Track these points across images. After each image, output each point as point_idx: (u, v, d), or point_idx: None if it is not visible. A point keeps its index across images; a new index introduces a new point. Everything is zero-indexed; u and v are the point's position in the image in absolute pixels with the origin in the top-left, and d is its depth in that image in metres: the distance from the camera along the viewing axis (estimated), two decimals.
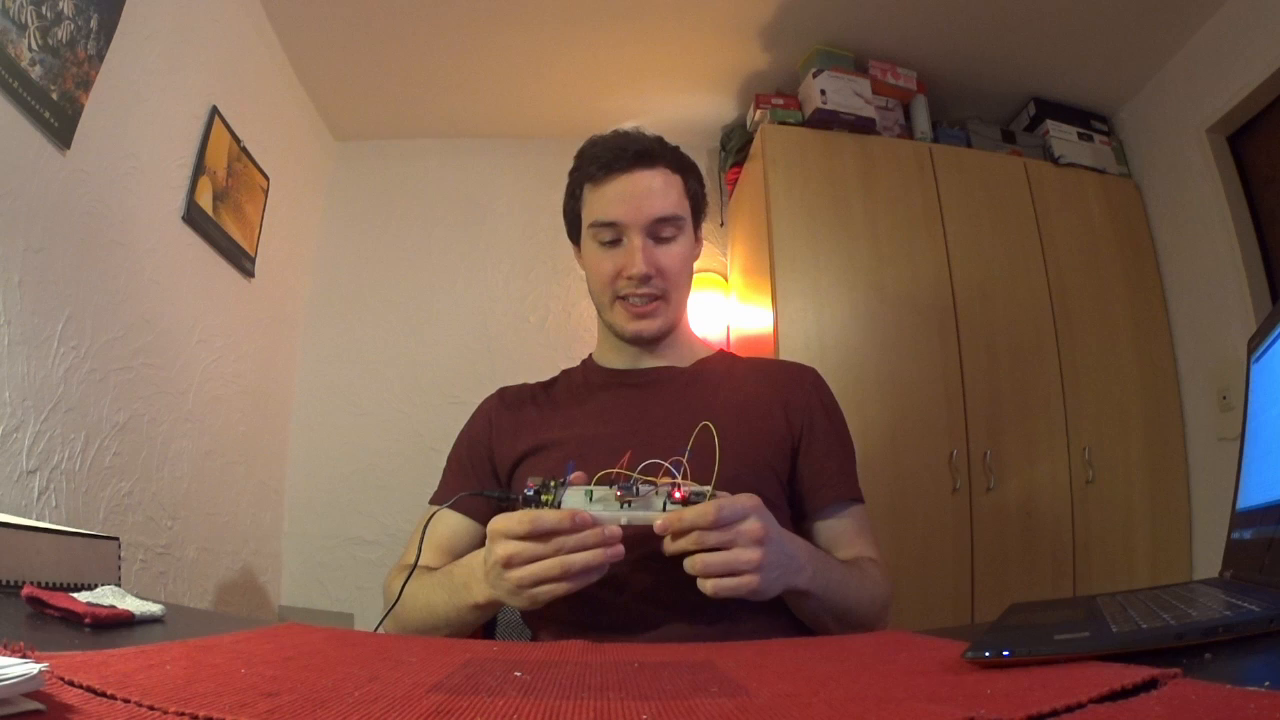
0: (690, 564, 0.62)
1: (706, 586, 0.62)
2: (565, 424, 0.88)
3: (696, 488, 0.63)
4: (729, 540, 0.62)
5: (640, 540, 0.64)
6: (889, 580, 0.82)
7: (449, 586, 0.74)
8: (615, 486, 0.63)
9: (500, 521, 0.63)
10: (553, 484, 0.65)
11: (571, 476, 0.66)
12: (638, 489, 0.63)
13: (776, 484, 0.83)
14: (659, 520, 0.62)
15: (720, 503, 0.62)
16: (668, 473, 0.64)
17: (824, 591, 0.71)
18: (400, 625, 0.79)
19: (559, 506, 0.63)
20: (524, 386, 0.97)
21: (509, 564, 0.62)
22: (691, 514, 0.61)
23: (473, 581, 0.70)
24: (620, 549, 0.62)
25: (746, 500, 0.64)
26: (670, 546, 0.63)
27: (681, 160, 0.92)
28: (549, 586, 0.62)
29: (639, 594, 0.75)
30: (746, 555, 0.62)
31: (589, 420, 0.88)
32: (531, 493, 0.64)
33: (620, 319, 0.90)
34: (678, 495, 0.63)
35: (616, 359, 0.95)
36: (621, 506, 0.63)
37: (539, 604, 0.63)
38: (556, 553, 0.61)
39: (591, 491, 0.64)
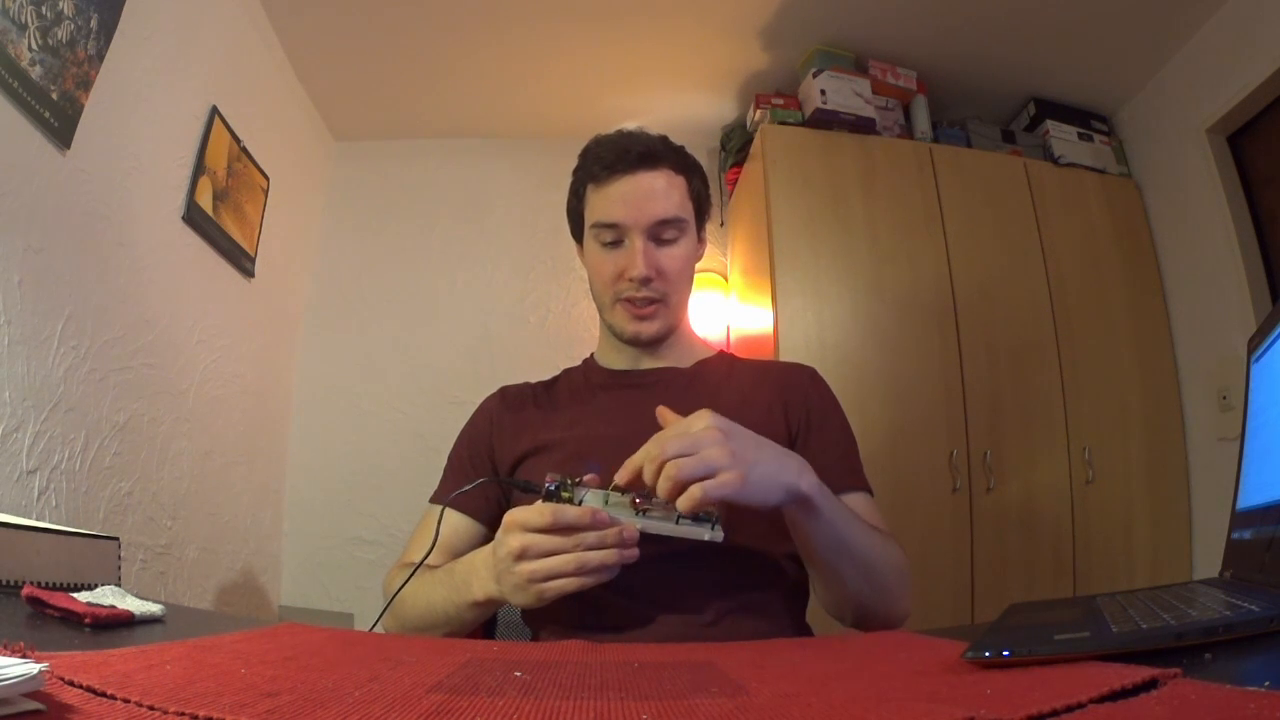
0: (663, 484, 0.58)
1: (694, 493, 0.58)
2: (566, 424, 0.88)
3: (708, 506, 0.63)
4: (689, 446, 0.59)
5: (642, 541, 0.64)
6: (904, 554, 0.78)
7: (449, 584, 0.73)
8: (631, 494, 0.64)
9: (518, 513, 0.63)
10: (570, 482, 0.65)
11: (587, 478, 0.66)
12: (652, 497, 0.63)
13: None
14: (620, 476, 0.62)
15: (662, 432, 0.62)
16: None
17: (834, 515, 0.68)
18: (399, 623, 0.79)
19: (578, 505, 0.63)
20: (525, 386, 0.97)
21: (522, 556, 0.62)
22: (638, 456, 0.61)
23: (474, 579, 0.69)
24: (636, 551, 0.62)
25: (693, 416, 0.63)
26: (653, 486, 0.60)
27: (685, 161, 0.91)
28: (559, 582, 0.61)
29: (639, 594, 0.75)
30: (713, 452, 0.59)
31: (590, 421, 0.88)
32: (553, 488, 0.64)
33: (620, 320, 0.90)
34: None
35: (617, 359, 0.95)
36: (637, 514, 0.63)
37: (545, 601, 0.63)
38: (574, 548, 0.61)
39: (608, 496, 0.65)
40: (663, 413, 0.67)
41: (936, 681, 0.37)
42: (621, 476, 0.62)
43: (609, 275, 0.88)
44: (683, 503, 0.58)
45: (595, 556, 0.61)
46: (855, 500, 0.83)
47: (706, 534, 0.63)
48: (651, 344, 0.91)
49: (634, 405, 0.88)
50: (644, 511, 0.63)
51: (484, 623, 0.95)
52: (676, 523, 0.63)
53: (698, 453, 0.59)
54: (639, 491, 0.63)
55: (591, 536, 0.61)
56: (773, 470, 0.63)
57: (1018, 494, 1.86)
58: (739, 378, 0.92)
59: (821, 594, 0.78)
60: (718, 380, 0.92)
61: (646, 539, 0.64)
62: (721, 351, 1.00)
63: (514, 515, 0.63)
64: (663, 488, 0.59)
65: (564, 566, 0.61)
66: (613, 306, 0.90)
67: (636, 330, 0.89)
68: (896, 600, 0.75)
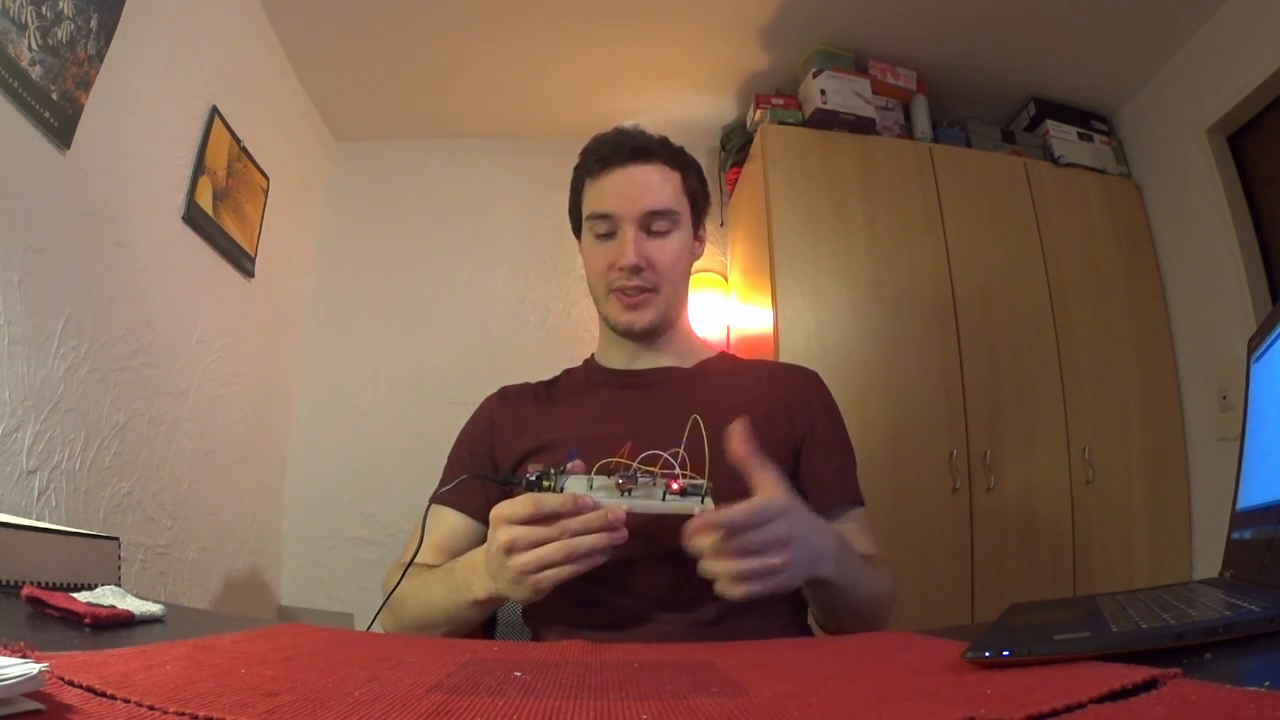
0: (718, 569, 0.60)
1: (735, 591, 0.59)
2: (567, 423, 0.88)
3: (695, 480, 0.63)
4: (762, 544, 0.59)
5: (642, 539, 0.64)
6: (894, 579, 0.82)
7: (449, 583, 0.73)
8: (615, 475, 0.63)
9: (502, 507, 0.63)
10: (553, 471, 0.65)
11: (571, 465, 0.66)
12: (637, 478, 0.63)
13: None
14: (695, 522, 0.60)
15: (756, 503, 0.60)
16: (666, 464, 0.64)
17: (843, 581, 0.69)
18: (399, 623, 0.79)
19: (561, 492, 0.63)
20: (525, 385, 0.98)
21: (511, 549, 0.62)
22: (729, 513, 0.59)
23: (474, 577, 0.69)
24: (624, 532, 0.61)
25: (782, 500, 0.61)
26: (696, 545, 0.60)
27: (682, 158, 0.93)
28: (552, 571, 0.61)
29: (639, 594, 0.75)
30: (771, 561, 0.60)
31: (591, 419, 0.88)
32: (533, 478, 0.64)
33: (613, 311, 0.91)
34: (675, 486, 0.63)
35: (618, 358, 0.95)
36: (622, 495, 0.63)
37: (541, 592, 0.62)
38: (560, 535, 0.60)
39: (592, 480, 0.64)
40: (735, 436, 0.63)
41: (936, 681, 0.37)
42: (698, 528, 0.60)
43: (602, 266, 0.90)
44: (730, 590, 0.59)
45: (584, 542, 0.60)
46: (851, 515, 0.86)
47: (696, 508, 0.62)
48: (645, 336, 0.92)
49: (635, 403, 0.89)
50: (628, 492, 0.63)
51: (484, 623, 0.95)
52: (664, 499, 0.62)
53: (763, 554, 0.59)
54: (622, 473, 0.63)
55: (576, 522, 0.60)
56: (806, 570, 0.64)
57: (1018, 494, 1.86)
58: (742, 379, 0.93)
59: (813, 611, 0.80)
60: (720, 380, 0.92)
61: (646, 535, 0.64)
62: (723, 353, 1.00)
63: (498, 510, 0.64)
64: (720, 570, 0.59)
65: (554, 555, 0.60)
66: (606, 297, 0.91)
67: (629, 320, 0.89)
68: (879, 627, 0.77)
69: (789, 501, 0.62)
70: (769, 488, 0.62)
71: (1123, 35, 1.98)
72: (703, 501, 0.63)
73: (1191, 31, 1.94)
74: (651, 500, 0.63)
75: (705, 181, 0.97)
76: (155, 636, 0.50)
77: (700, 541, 0.60)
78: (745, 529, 0.59)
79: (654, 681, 0.40)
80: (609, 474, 0.64)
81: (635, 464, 0.63)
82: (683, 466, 0.64)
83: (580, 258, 0.98)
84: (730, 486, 0.63)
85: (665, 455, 0.64)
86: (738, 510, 0.59)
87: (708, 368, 0.94)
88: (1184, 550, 1.89)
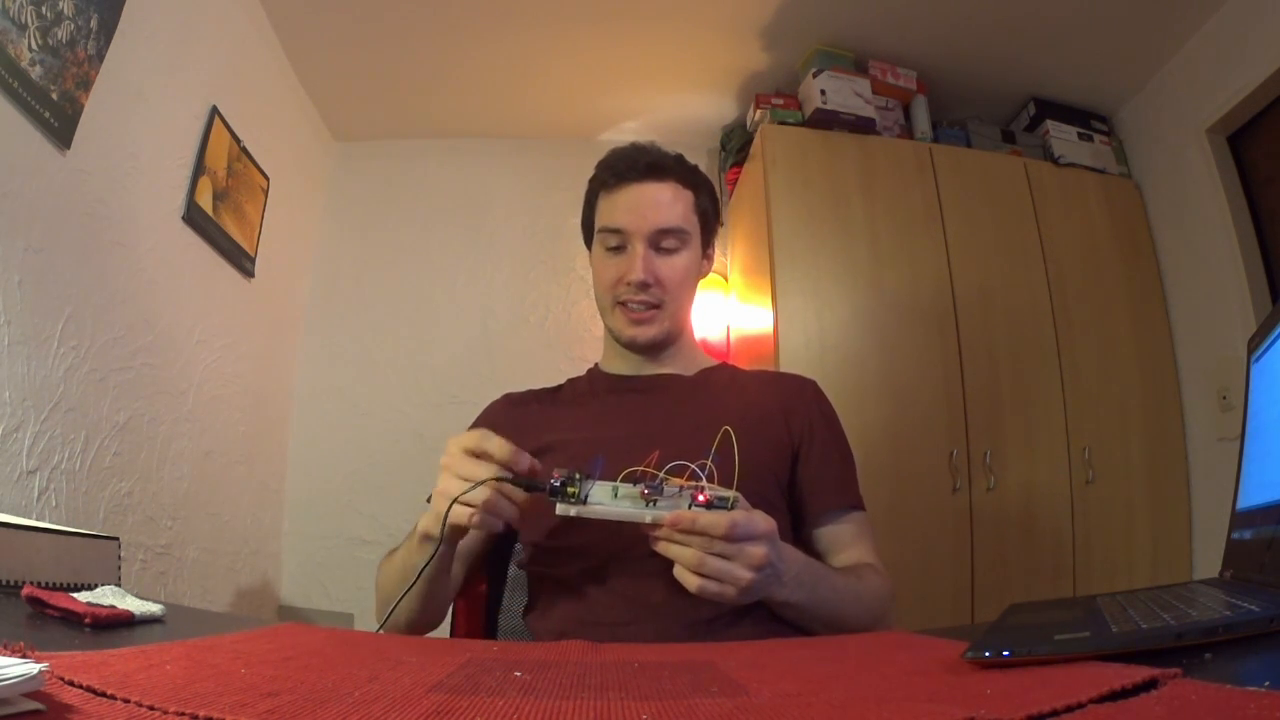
0: (681, 555, 0.62)
1: (690, 581, 0.62)
2: (571, 426, 0.89)
3: (720, 492, 0.63)
4: (732, 554, 0.62)
5: (643, 539, 0.64)
6: (888, 585, 0.82)
7: (409, 535, 0.77)
8: (641, 485, 0.64)
9: (460, 436, 0.69)
10: (578, 477, 0.64)
11: (598, 474, 0.66)
12: (663, 488, 0.63)
13: (776, 489, 0.85)
14: (669, 516, 0.62)
15: (736, 518, 0.61)
16: (692, 475, 0.64)
17: (809, 602, 0.71)
18: (382, 595, 0.82)
19: (585, 499, 0.63)
20: (530, 391, 1.00)
21: (448, 467, 0.67)
22: (706, 520, 0.61)
23: (421, 518, 0.72)
24: (515, 511, 0.67)
25: (762, 524, 0.63)
26: (665, 538, 0.63)
27: (695, 178, 0.95)
28: (461, 510, 0.65)
29: (640, 593, 0.75)
30: (739, 573, 0.62)
31: (595, 423, 0.89)
32: (558, 484, 0.64)
33: (619, 324, 0.92)
34: (701, 499, 0.63)
35: (621, 365, 0.97)
36: (647, 505, 0.63)
37: (438, 519, 0.66)
38: (489, 478, 0.65)
39: (617, 488, 0.64)
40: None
41: (936, 681, 0.37)
42: (673, 521, 0.62)
43: (610, 279, 0.91)
44: (686, 579, 0.63)
45: (497, 501, 0.65)
46: (849, 519, 0.86)
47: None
48: (649, 349, 0.94)
49: (638, 408, 0.90)
50: (653, 502, 0.63)
51: (485, 627, 0.96)
52: (690, 509, 0.63)
53: (733, 561, 0.62)
54: (648, 483, 0.63)
55: (497, 457, 0.66)
56: (759, 591, 0.65)
57: (1018, 494, 1.86)
58: (742, 386, 0.95)
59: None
60: (721, 388, 0.94)
61: (648, 538, 0.64)
62: (724, 362, 1.02)
63: (455, 437, 0.69)
64: (686, 557, 0.62)
65: (472, 495, 0.65)
66: (612, 310, 0.93)
67: (633, 334, 0.91)
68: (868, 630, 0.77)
69: (771, 527, 0.64)
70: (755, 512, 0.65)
71: (1123, 35, 1.98)
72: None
73: (1191, 31, 1.94)
74: (677, 512, 0.63)
75: (717, 200, 0.99)
76: (155, 636, 0.50)
77: (671, 537, 0.62)
78: (725, 540, 0.61)
79: (654, 681, 0.40)
80: (634, 482, 0.64)
81: (662, 474, 0.63)
82: (710, 479, 0.64)
83: (585, 261, 1.00)
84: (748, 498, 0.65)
85: (693, 467, 0.64)
86: (717, 519, 0.61)
87: (709, 375, 0.96)
88: (1184, 550, 1.89)
